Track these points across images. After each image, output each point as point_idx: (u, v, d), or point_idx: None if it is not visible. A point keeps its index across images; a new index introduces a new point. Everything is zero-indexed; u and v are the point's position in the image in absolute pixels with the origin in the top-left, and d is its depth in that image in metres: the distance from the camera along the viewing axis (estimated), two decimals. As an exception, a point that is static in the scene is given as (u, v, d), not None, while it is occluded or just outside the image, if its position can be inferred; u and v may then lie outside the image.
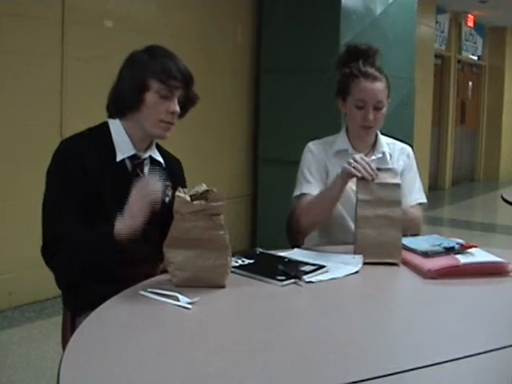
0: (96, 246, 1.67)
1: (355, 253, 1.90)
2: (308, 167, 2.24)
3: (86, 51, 4.07)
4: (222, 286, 1.60)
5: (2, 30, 3.64)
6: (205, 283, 1.58)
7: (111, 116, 1.85)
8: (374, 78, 2.15)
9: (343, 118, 2.31)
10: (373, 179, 1.91)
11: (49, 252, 1.69)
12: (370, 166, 1.93)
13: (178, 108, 1.80)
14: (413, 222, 2.19)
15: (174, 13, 4.70)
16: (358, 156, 1.97)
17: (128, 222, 1.64)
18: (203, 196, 1.59)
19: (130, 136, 1.81)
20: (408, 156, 2.33)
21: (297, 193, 2.22)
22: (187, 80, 1.81)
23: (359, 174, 1.92)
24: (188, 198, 1.56)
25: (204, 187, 1.61)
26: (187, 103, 1.86)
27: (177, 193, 1.57)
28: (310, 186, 2.19)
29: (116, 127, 1.82)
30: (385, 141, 2.31)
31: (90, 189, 1.71)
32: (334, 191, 2.05)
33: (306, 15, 4.94)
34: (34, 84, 3.82)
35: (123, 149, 1.79)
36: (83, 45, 4.05)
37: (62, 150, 1.76)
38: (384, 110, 2.19)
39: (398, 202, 1.91)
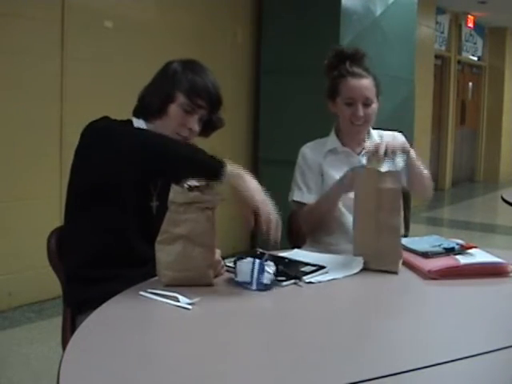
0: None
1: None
2: (301, 174, 2.29)
3: (86, 51, 4.07)
4: (210, 285, 1.60)
5: (1, 30, 3.65)
6: (193, 282, 1.58)
7: (137, 115, 1.85)
8: (361, 76, 2.19)
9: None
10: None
11: None
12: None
13: (196, 126, 1.82)
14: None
15: (174, 13, 4.70)
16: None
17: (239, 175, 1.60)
18: (199, 189, 1.59)
19: None
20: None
21: (291, 197, 2.30)
22: (213, 102, 1.83)
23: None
24: (185, 187, 1.56)
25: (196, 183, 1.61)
26: (210, 125, 1.87)
27: (172, 184, 1.57)
28: (302, 195, 2.26)
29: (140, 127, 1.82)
30: (375, 133, 2.33)
31: (108, 178, 1.69)
32: (328, 203, 2.15)
33: (306, 16, 4.94)
34: (34, 84, 3.82)
35: None
36: (83, 45, 4.05)
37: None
38: (374, 107, 2.21)
39: (398, 209, 1.85)
